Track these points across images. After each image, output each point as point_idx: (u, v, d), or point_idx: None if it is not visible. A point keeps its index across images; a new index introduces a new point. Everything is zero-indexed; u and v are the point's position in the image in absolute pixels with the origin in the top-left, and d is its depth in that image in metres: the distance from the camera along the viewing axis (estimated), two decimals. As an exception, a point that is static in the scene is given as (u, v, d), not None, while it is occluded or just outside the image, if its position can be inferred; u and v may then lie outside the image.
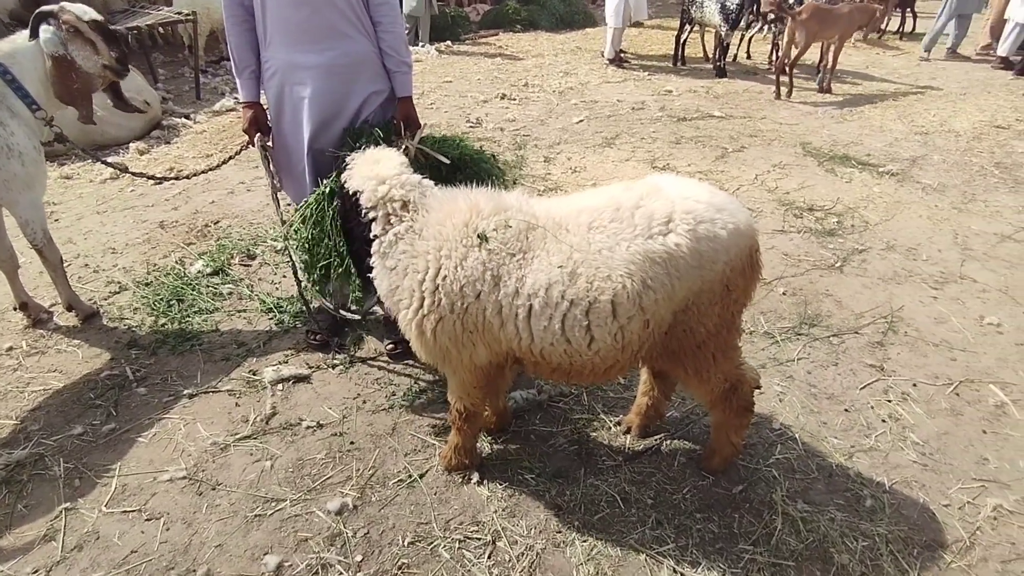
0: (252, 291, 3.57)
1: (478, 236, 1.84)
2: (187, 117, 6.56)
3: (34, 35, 2.73)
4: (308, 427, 2.64)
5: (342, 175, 2.09)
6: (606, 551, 2.12)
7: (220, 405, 2.76)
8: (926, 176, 5.32)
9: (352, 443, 2.57)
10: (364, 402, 2.79)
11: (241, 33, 2.52)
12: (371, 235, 2.02)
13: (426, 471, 2.44)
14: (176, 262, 3.83)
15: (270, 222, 4.39)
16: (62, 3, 2.79)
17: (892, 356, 3.11)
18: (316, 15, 2.40)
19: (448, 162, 2.44)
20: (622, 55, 9.27)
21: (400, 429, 2.65)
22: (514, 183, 2.87)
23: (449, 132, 6.39)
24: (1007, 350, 3.15)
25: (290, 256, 3.04)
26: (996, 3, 9.69)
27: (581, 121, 6.74)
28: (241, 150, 2.98)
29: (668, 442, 2.59)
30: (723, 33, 8.27)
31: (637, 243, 1.79)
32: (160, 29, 8.95)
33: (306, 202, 2.56)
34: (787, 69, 7.33)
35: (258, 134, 2.67)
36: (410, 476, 2.41)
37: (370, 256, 2.09)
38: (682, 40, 9.09)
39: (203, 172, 3.24)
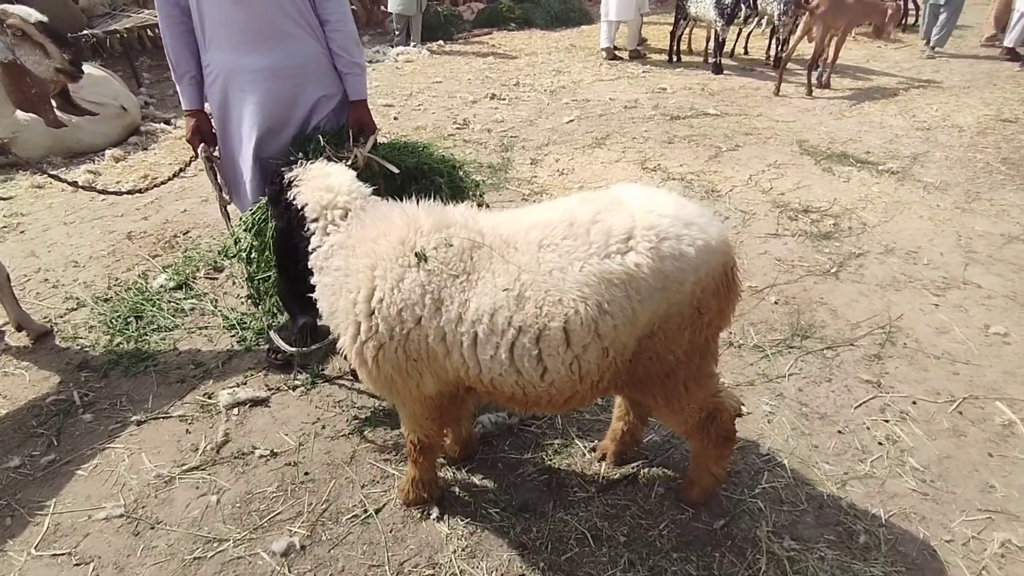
0: (216, 306, 3.40)
1: (416, 255, 1.66)
2: (167, 122, 6.41)
3: (-26, 43, 2.57)
4: (261, 456, 2.47)
5: (288, 189, 1.90)
6: (572, 597, 1.94)
7: (169, 432, 2.59)
8: (928, 174, 5.10)
9: (306, 474, 2.40)
10: (323, 427, 2.62)
11: (177, 35, 2.34)
12: (311, 249, 1.84)
13: (383, 505, 2.26)
14: (139, 276, 3.67)
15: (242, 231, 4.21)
16: (3, 6, 2.62)
17: (890, 370, 2.91)
18: (256, 14, 2.22)
19: (398, 171, 2.26)
20: (639, 49, 8.95)
21: (359, 457, 2.47)
22: (482, 195, 2.67)
23: (435, 134, 6.25)
24: (1014, 362, 2.94)
25: (246, 272, 2.87)
26: None
27: (572, 121, 6.55)
28: (189, 162, 2.81)
29: (646, 470, 2.40)
30: (719, 29, 8.05)
31: (592, 263, 1.60)
32: (148, 32, 8.82)
33: (250, 211, 2.40)
34: (783, 65, 7.11)
35: (202, 144, 2.49)
36: (365, 511, 2.23)
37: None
38: (677, 36, 8.86)
39: (148, 189, 3.05)
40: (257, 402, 2.75)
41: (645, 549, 2.08)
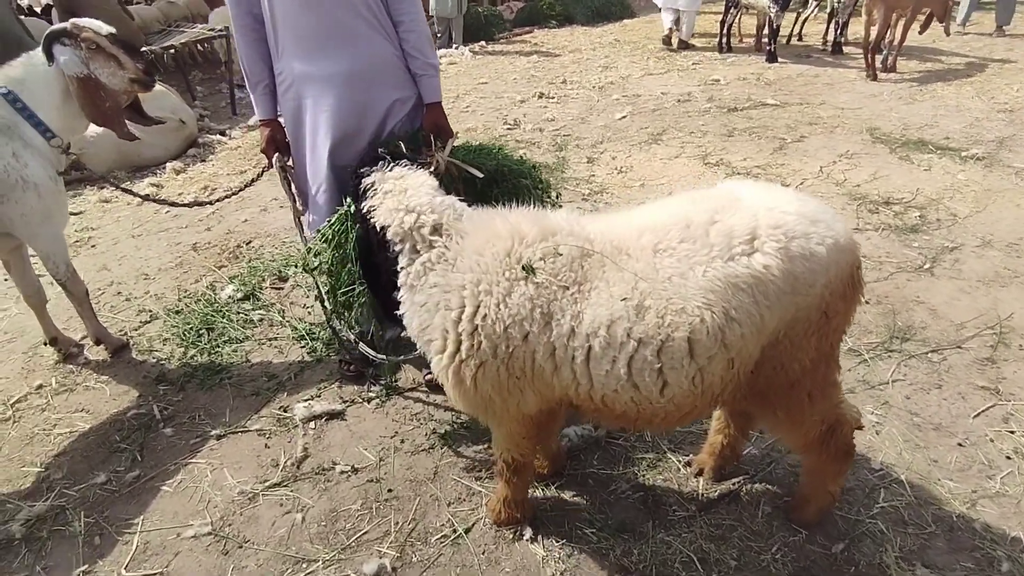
0: (284, 317, 3.38)
1: (523, 268, 1.55)
2: (222, 133, 6.50)
3: (50, 58, 2.58)
4: (342, 472, 2.41)
5: (365, 200, 1.83)
6: (685, 628, 1.80)
7: (249, 447, 2.56)
8: (1018, 159, 4.75)
9: (390, 491, 2.32)
10: (402, 441, 2.54)
11: (251, 44, 2.30)
12: (398, 267, 1.76)
13: (472, 524, 2.17)
14: (207, 287, 3.68)
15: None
16: (73, 20, 2.63)
17: (1007, 375, 2.67)
18: (328, 17, 2.15)
19: (482, 176, 2.16)
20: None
21: (443, 473, 2.38)
22: (557, 197, 2.55)
23: (486, 136, 6.16)
24: None
25: (316, 284, 2.82)
26: None
27: (624, 117, 6.37)
28: (262, 172, 2.77)
29: (748, 486, 2.24)
30: (773, 15, 7.74)
31: (716, 267, 1.46)
32: (199, 47, 9.02)
33: (328, 222, 2.33)
34: (870, 49, 6.77)
35: (276, 154, 2.45)
36: (455, 531, 2.14)
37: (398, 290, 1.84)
38: (728, 25, 8.57)
39: (224, 199, 3.04)
40: (333, 415, 2.69)
41: (758, 575, 1.93)
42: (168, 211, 4.84)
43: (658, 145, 5.55)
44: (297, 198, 2.55)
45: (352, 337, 2.43)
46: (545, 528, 2.13)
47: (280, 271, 3.79)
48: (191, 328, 3.29)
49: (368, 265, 1.94)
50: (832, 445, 1.83)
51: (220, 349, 3.14)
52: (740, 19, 9.11)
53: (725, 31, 8.64)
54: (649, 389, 1.54)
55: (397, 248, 1.74)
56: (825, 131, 5.59)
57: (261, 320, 3.36)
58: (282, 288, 3.67)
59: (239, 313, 3.42)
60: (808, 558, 1.97)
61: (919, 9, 6.98)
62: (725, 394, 1.62)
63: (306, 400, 2.76)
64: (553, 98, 7.23)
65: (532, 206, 2.12)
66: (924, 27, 7.09)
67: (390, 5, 2.27)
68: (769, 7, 7.68)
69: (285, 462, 2.47)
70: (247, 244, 4.21)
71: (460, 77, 8.45)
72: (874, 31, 6.77)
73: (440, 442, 2.51)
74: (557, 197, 2.71)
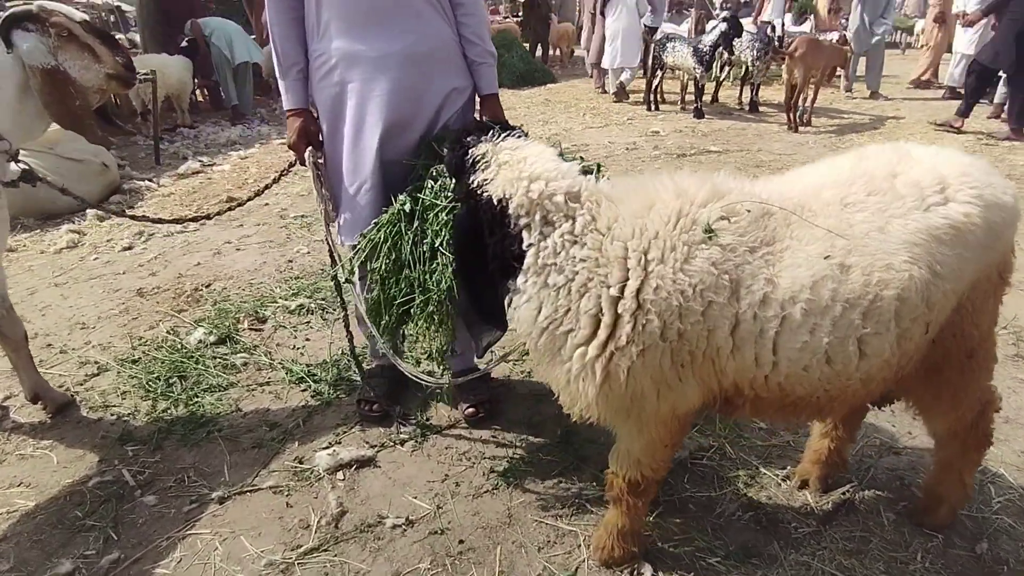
0: (272, 359, 2.88)
1: (704, 230, 1.32)
2: (150, 180, 5.86)
3: (8, 44, 2.12)
4: (395, 526, 1.96)
5: (475, 174, 1.53)
6: (871, 659, 1.53)
7: (266, 508, 2.05)
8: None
9: (461, 542, 1.91)
10: (457, 484, 2.14)
11: (288, 24, 2.00)
12: (522, 246, 1.46)
13: (575, 568, 1.80)
14: (168, 332, 3.11)
15: (274, 281, 3.73)
16: (40, 2, 2.20)
17: (1040, 368, 2.73)
18: None
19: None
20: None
21: (518, 516, 2.00)
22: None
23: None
24: None
25: (341, 304, 2.43)
26: (931, 39, 10.33)
27: (601, 168, 6.43)
28: (286, 170, 2.39)
29: (859, 494, 2.05)
30: (698, 76, 8.35)
31: (915, 217, 1.32)
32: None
33: (376, 224, 1.99)
34: (790, 105, 7.40)
35: (309, 148, 2.10)
36: (557, 580, 1.76)
37: (499, 284, 1.53)
38: (655, 85, 9.14)
39: (228, 210, 2.61)
40: (363, 462, 2.24)
41: (919, 587, 1.71)
42: (96, 258, 4.18)
43: (623, 185, 5.61)
44: (328, 199, 2.18)
45: (390, 355, 2.05)
46: (663, 563, 1.81)
47: (256, 312, 3.29)
48: (157, 377, 2.71)
49: (467, 253, 1.61)
50: (979, 429, 1.70)
51: (199, 399, 2.59)
52: (663, 80, 9.76)
53: (652, 90, 9.19)
54: (847, 361, 1.34)
55: (522, 223, 1.45)
56: (772, 172, 5.91)
57: (245, 364, 2.84)
58: (262, 330, 3.17)
59: (215, 358, 2.88)
60: (958, 563, 1.79)
61: (828, 68, 7.80)
62: (909, 367, 1.45)
63: (326, 448, 2.29)
64: (504, 147, 7.22)
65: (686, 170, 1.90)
66: (829, 78, 7.88)
67: None
68: (694, 68, 8.29)
69: (318, 521, 1.98)
70: (207, 287, 3.66)
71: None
72: (795, 88, 7.45)
73: (503, 481, 2.14)
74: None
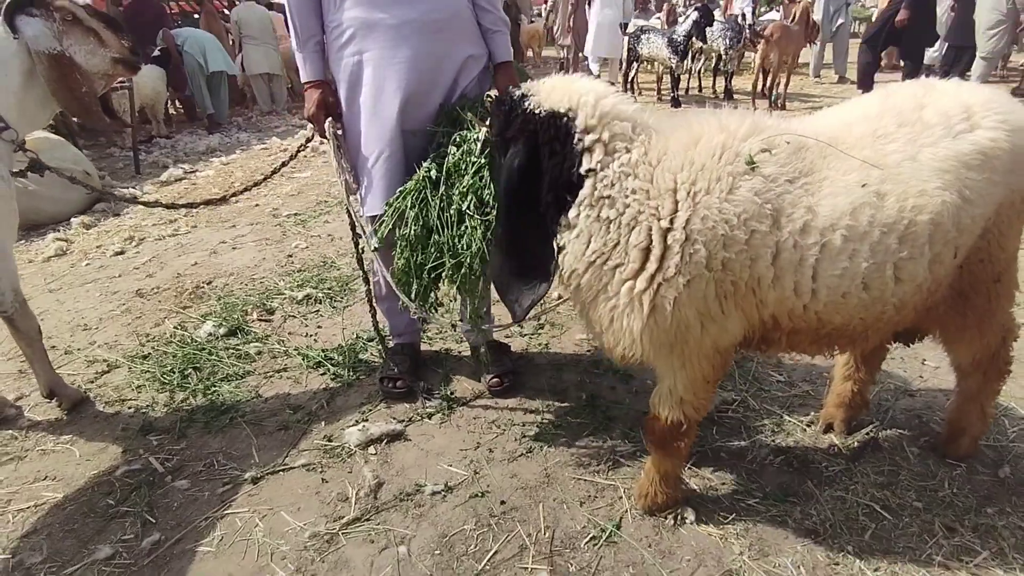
0: (287, 347, 2.86)
1: (746, 161, 1.37)
2: (134, 188, 5.75)
3: (12, 30, 2.09)
4: (434, 492, 1.97)
5: (521, 108, 1.53)
6: (917, 576, 1.59)
7: (301, 485, 2.04)
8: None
9: (503, 502, 1.92)
10: (491, 451, 2.15)
11: None
12: (582, 172, 1.46)
13: (620, 518, 1.83)
14: (176, 327, 3.06)
15: (276, 275, 3.69)
16: (40, -15, 2.17)
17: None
18: None
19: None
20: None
21: (556, 475, 2.02)
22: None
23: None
24: None
25: (364, 278, 2.43)
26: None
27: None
28: (303, 146, 2.39)
29: (882, 433, 2.12)
30: (673, 66, 8.50)
31: (944, 145, 1.39)
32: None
33: (401, 192, 2.01)
34: (754, 90, 7.58)
35: (328, 119, 2.10)
36: (603, 531, 1.79)
37: (549, 222, 1.53)
38: (631, 77, 9.28)
39: (253, 186, 2.57)
40: (394, 436, 2.24)
41: (951, 511, 1.78)
42: (88, 263, 4.09)
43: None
44: (348, 171, 2.18)
45: (434, 316, 2.06)
46: (704, 507, 1.85)
47: (263, 303, 3.26)
48: (171, 370, 2.67)
49: (518, 199, 1.58)
50: (1000, 358, 1.78)
51: (217, 388, 2.56)
52: (638, 72, 9.90)
53: (628, 82, 9.33)
54: (883, 287, 1.40)
55: (588, 141, 1.45)
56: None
57: (259, 353, 2.82)
58: (271, 320, 3.14)
59: (228, 349, 2.85)
60: (984, 488, 1.87)
61: (797, 55, 8.02)
62: (939, 293, 1.51)
63: (355, 425, 2.28)
64: (488, 142, 7.26)
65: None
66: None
67: None
68: (669, 58, 8.44)
69: (356, 493, 1.98)
70: (208, 284, 3.61)
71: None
72: (767, 74, 7.64)
73: (537, 445, 2.16)
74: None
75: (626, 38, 9.04)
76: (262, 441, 2.26)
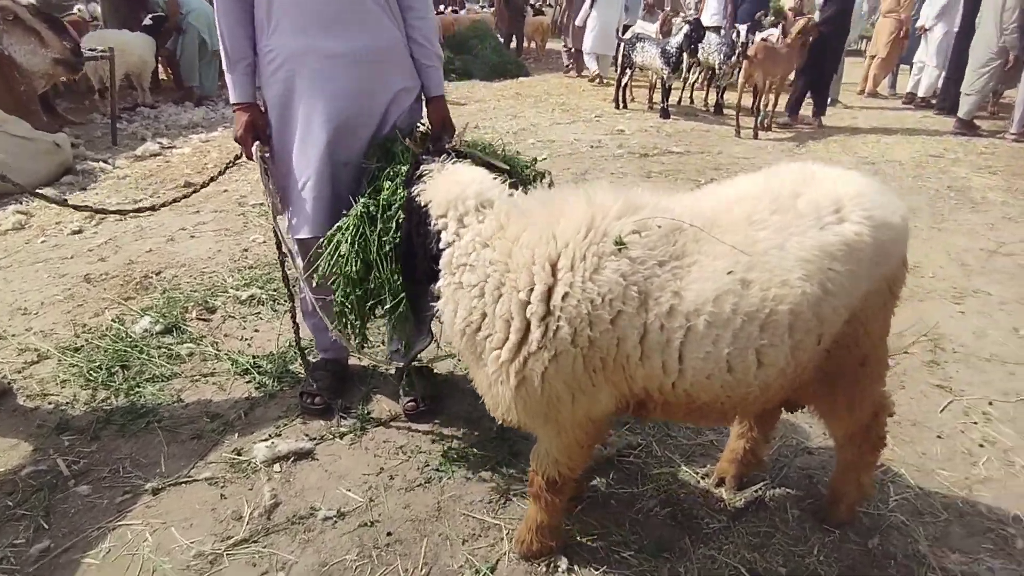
0: (219, 350, 2.90)
1: (615, 241, 1.41)
2: (105, 162, 5.73)
3: (-55, 27, 2.10)
4: (326, 518, 2.02)
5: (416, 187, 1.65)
6: (760, 645, 1.65)
7: (199, 500, 2.09)
8: (892, 200, 5.44)
9: (389, 534, 1.98)
10: (392, 478, 2.21)
11: (236, 16, 2.02)
12: (440, 247, 1.55)
13: (496, 561, 1.89)
14: (113, 320, 3.09)
15: (227, 270, 3.72)
16: (-19, -14, 2.17)
17: (952, 375, 2.91)
18: None
19: (507, 168, 2.02)
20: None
21: (447, 509, 2.08)
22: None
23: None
24: (1055, 361, 3.04)
25: (289, 296, 2.47)
26: (880, 48, 10.52)
27: (545, 159, 6.48)
28: (229, 165, 2.41)
29: (771, 492, 2.19)
30: (665, 76, 8.47)
31: (811, 236, 1.43)
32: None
33: (338, 228, 2.03)
34: (738, 108, 7.57)
35: (256, 143, 2.13)
36: (477, 572, 1.85)
37: (429, 284, 1.62)
38: (623, 84, 9.24)
39: (176, 201, 2.58)
40: (302, 455, 2.29)
41: (812, 579, 1.85)
42: (43, 240, 4.11)
43: (584, 184, 5.69)
44: (275, 195, 2.21)
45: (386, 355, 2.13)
46: (579, 557, 1.91)
47: (206, 301, 3.29)
48: (99, 366, 2.71)
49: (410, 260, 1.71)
50: (873, 432, 1.84)
51: (141, 388, 2.61)
52: (631, 79, 9.86)
53: (621, 89, 9.29)
54: (746, 370, 1.44)
55: (440, 223, 1.54)
56: (731, 175, 6.06)
57: (191, 355, 2.86)
58: (210, 320, 3.18)
59: (160, 348, 2.88)
60: (849, 556, 1.93)
61: (786, 76, 8.00)
62: (805, 375, 1.56)
63: (265, 440, 2.33)
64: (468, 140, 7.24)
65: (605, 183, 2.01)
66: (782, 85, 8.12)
67: None
68: (661, 69, 8.40)
69: (251, 513, 2.03)
70: (156, 275, 3.64)
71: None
72: (748, 95, 7.63)
73: (437, 475, 2.22)
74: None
75: (621, 43, 8.99)
76: (173, 449, 2.31)
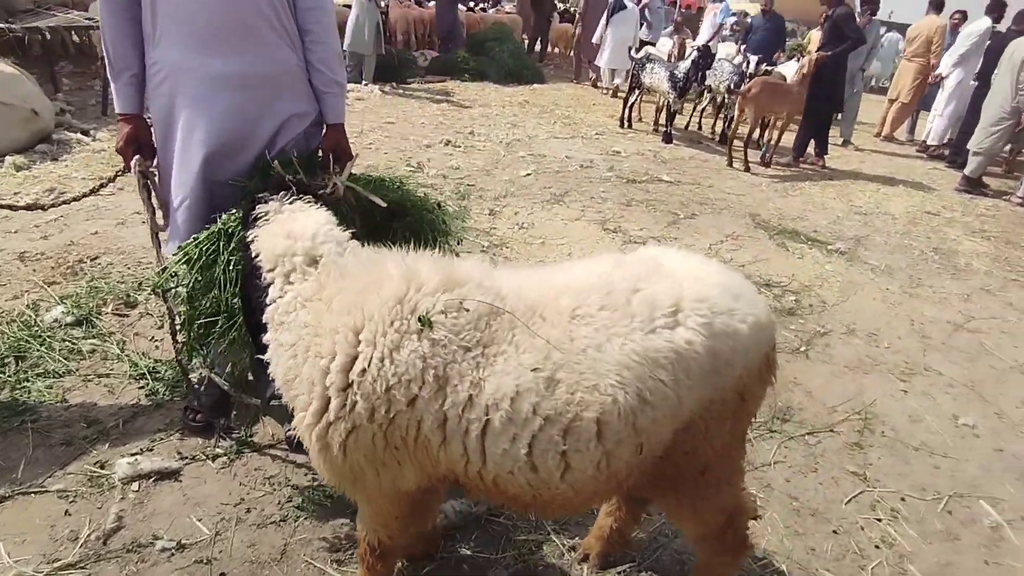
0: (123, 349, 2.85)
1: (419, 320, 1.32)
2: (85, 133, 5.73)
3: None
4: (164, 549, 1.96)
5: (248, 224, 1.57)
6: None
7: (43, 513, 2.03)
8: (872, 257, 5.27)
9: (222, 574, 1.91)
10: (248, 511, 2.14)
11: (120, 24, 1.95)
12: (267, 301, 1.48)
13: (322, 620, 1.81)
14: (27, 306, 3.05)
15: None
16: None
17: (873, 461, 2.77)
18: (227, 10, 1.87)
19: (384, 205, 1.94)
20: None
21: (292, 553, 2.01)
22: (459, 243, 2.37)
23: (388, 175, 5.93)
24: (988, 456, 2.89)
25: (168, 312, 2.40)
26: (903, 93, 10.21)
27: (529, 175, 6.42)
28: (114, 177, 2.35)
29: (639, 572, 2.08)
30: (671, 100, 8.32)
31: (635, 339, 1.32)
32: (75, 38, 8.11)
33: (194, 239, 1.97)
34: (731, 140, 7.41)
35: (137, 156, 2.07)
36: (298, 629, 1.77)
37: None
38: (630, 103, 9.10)
39: (54, 205, 2.51)
40: (165, 475, 2.23)
41: None
42: (-5, 211, 4.08)
43: (560, 206, 5.59)
44: (158, 210, 2.16)
45: (218, 377, 2.05)
46: (410, 625, 1.82)
47: (128, 295, 3.25)
48: (-6, 355, 2.67)
49: (244, 300, 1.64)
50: (730, 536, 1.73)
51: (29, 384, 2.56)
52: (641, 101, 9.71)
53: (627, 109, 9.15)
54: (550, 472, 1.35)
55: (268, 278, 1.47)
56: (714, 211, 5.94)
57: (92, 352, 2.81)
58: (127, 316, 3.13)
59: (65, 341, 2.84)
60: (695, 660, 1.83)
61: (794, 114, 7.81)
62: (630, 480, 1.46)
63: (133, 455, 2.28)
64: (460, 147, 7.17)
65: (435, 247, 1.94)
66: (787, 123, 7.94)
67: (299, 11, 2.03)
68: (668, 92, 8.25)
69: (89, 535, 1.98)
70: (91, 260, 3.61)
71: (367, 113, 8.21)
72: (744, 127, 7.46)
73: (295, 513, 2.14)
74: (459, 243, 2.54)
75: (632, 63, 8.86)
76: (38, 454, 2.26)
